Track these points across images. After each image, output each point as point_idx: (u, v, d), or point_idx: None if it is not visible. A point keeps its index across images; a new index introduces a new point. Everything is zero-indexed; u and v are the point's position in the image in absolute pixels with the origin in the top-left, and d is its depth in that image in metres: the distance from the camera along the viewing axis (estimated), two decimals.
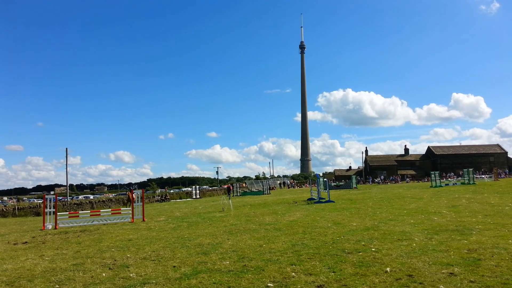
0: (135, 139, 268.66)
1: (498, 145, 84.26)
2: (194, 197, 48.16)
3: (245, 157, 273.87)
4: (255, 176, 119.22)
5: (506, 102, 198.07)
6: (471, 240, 8.00)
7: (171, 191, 60.99)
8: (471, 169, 43.74)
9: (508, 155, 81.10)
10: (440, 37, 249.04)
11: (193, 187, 55.36)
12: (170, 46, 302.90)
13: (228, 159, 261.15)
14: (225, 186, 50.27)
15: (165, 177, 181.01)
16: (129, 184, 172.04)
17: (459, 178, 48.57)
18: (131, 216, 17.44)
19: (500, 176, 57.90)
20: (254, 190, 53.98)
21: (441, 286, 5.05)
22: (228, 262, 7.31)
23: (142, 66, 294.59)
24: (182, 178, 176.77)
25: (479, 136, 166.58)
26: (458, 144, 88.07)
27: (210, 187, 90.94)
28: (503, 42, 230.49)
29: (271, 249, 8.35)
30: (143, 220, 17.38)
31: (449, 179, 53.59)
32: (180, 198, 48.17)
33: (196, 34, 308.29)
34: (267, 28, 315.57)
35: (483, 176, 53.75)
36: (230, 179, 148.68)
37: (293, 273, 6.23)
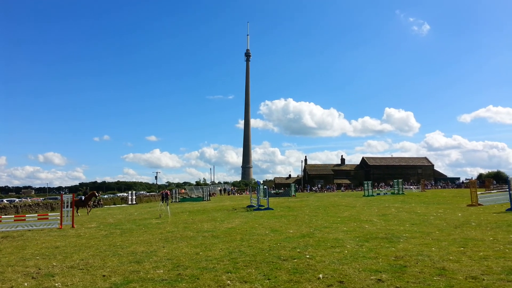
0: (67, 140, 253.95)
1: (425, 158, 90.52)
2: (130, 203, 46.47)
3: (185, 162, 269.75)
4: (196, 182, 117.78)
5: (433, 118, 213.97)
6: (399, 247, 8.44)
7: (105, 196, 58.24)
8: (401, 180, 46.55)
9: (434, 168, 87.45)
10: (376, 54, 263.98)
11: (129, 192, 53.41)
12: (109, 45, 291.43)
13: (168, 164, 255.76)
14: (164, 192, 48.89)
15: (99, 181, 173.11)
16: (59, 188, 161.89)
17: (390, 188, 51.46)
18: (59, 222, 16.39)
19: (427, 187, 62.16)
20: (194, 196, 53.27)
21: None
22: (162, 271, 7.09)
23: (77, 65, 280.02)
24: (118, 182, 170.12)
25: (408, 149, 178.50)
26: (389, 155, 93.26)
27: (148, 192, 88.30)
28: (432, 62, 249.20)
29: (208, 257, 8.23)
30: (73, 226, 16.42)
31: (381, 189, 56.62)
32: (115, 204, 46.20)
33: (139, 35, 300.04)
34: (213, 34, 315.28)
35: (411, 187, 57.33)
36: (169, 184, 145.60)
37: (229, 281, 6.17)
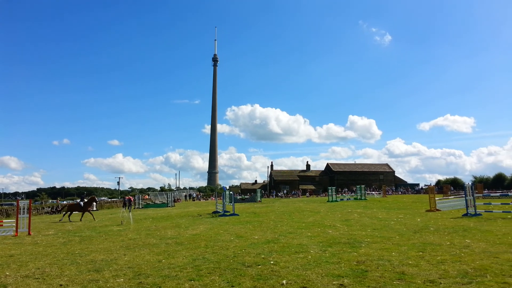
0: (24, 144, 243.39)
1: (387, 165, 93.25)
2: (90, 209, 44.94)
3: (150, 167, 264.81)
4: (160, 187, 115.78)
5: (394, 126, 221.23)
6: (360, 252, 8.61)
7: (64, 202, 56.09)
8: (363, 185, 47.70)
9: (395, 174, 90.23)
10: (340, 62, 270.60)
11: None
12: (70, 47, 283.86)
13: (131, 169, 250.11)
14: (126, 198, 47.58)
15: (58, 186, 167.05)
16: (15, 194, 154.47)
17: (353, 194, 52.61)
18: (14, 229, 15.61)
19: (388, 193, 63.95)
20: (158, 202, 52.22)
21: None
22: (122, 280, 6.87)
23: (35, 66, 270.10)
24: (78, 188, 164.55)
25: (370, 156, 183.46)
26: (353, 162, 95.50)
27: (110, 198, 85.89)
28: (393, 71, 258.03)
29: (171, 265, 8.06)
30: (29, 233, 15.68)
31: (344, 194, 57.76)
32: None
33: (102, 36, 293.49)
34: (180, 38, 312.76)
35: (373, 192, 58.90)
36: (132, 190, 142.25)
37: None
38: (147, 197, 63.06)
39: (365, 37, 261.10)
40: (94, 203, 29.69)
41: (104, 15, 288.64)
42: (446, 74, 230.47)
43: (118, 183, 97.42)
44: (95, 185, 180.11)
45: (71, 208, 25.16)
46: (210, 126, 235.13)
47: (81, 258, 9.30)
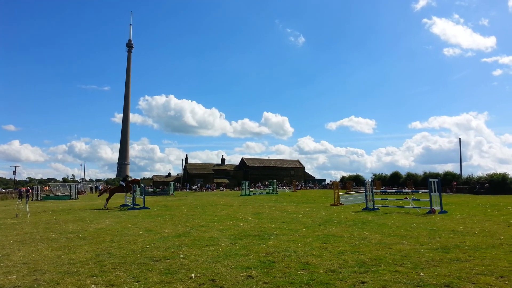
0: None
1: (298, 161, 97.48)
2: None
3: (51, 156, 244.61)
4: (63, 178, 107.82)
5: (304, 125, 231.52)
6: (269, 244, 8.86)
7: None
8: (275, 180, 49.31)
9: (305, 170, 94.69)
10: (257, 59, 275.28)
11: None
12: None
13: (30, 157, 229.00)
14: (23, 189, 43.49)
15: None
16: None
17: (265, 188, 54.11)
18: None
19: (298, 188, 66.90)
20: (60, 194, 48.46)
21: None
22: (15, 277, 6.24)
23: None
24: None
25: (282, 152, 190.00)
26: (266, 157, 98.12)
27: (4, 189, 77.78)
28: (305, 72, 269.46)
29: (71, 260, 7.52)
30: None
31: (257, 188, 59.16)
32: None
33: (1, 11, 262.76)
34: (90, 19, 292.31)
35: (284, 187, 61.16)
36: (31, 180, 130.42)
37: (93, 285, 5.72)
38: (48, 188, 58.26)
39: (281, 37, 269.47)
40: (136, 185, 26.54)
41: None
42: (351, 78, 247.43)
43: (14, 172, 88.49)
44: None
45: (115, 190, 24.88)
46: (121, 115, 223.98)
47: None
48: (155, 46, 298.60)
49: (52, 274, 6.39)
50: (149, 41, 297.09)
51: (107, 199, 24.70)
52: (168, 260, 7.29)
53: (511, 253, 7.29)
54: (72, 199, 41.20)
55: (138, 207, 21.63)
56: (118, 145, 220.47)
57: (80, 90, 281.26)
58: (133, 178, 27.29)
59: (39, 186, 50.69)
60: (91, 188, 69.67)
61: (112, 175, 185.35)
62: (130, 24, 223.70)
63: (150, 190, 52.16)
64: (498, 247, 7.94)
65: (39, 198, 41.14)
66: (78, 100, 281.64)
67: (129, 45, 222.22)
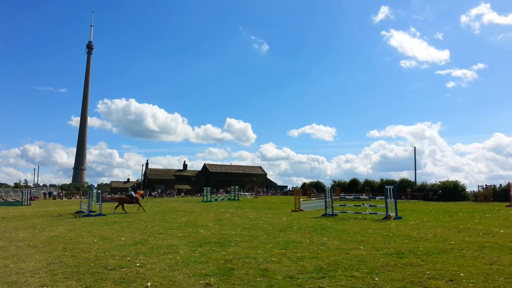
0: None
1: (260, 167, 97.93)
2: None
3: (2, 160, 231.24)
4: (15, 183, 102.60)
5: (267, 131, 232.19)
6: (229, 251, 8.79)
7: None
8: (237, 186, 49.25)
9: (267, 176, 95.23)
10: (221, 65, 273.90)
11: None
12: None
13: None
14: None
15: None
16: None
17: (227, 194, 53.91)
18: None
19: (260, 194, 67.08)
20: (11, 200, 46.00)
21: None
22: None
23: None
24: None
25: (245, 158, 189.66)
26: (229, 163, 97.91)
27: None
28: (268, 80, 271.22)
29: (20, 269, 7.13)
30: None
31: (219, 195, 58.83)
32: None
33: None
34: (49, 18, 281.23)
35: (246, 193, 61.15)
36: None
37: None
38: None
39: (245, 44, 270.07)
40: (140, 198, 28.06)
41: None
42: (312, 87, 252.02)
43: None
44: None
45: (125, 201, 25.00)
46: (77, 118, 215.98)
47: None
48: (117, 49, 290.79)
49: None
50: (111, 44, 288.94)
51: (116, 207, 24.35)
52: (124, 269, 7.06)
53: (460, 258, 7.63)
54: (24, 205, 39.19)
55: (94, 214, 20.89)
56: (75, 150, 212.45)
57: (35, 91, 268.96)
58: (141, 191, 29.76)
59: None
60: (44, 194, 66.61)
61: (68, 180, 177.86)
62: (91, 25, 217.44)
63: (108, 196, 50.54)
64: (449, 252, 8.29)
65: None
66: (33, 101, 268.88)
67: (89, 47, 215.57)
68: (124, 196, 27.45)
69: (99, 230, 13.73)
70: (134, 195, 25.67)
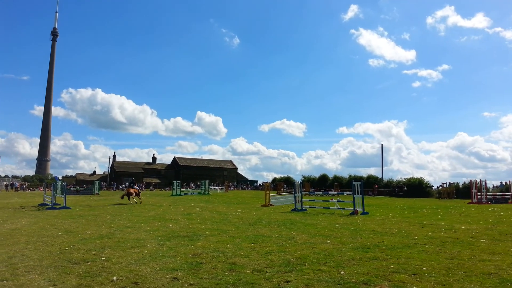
0: None
1: (231, 161, 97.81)
2: None
3: None
4: None
5: (238, 126, 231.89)
6: (197, 245, 8.75)
7: None
8: (208, 180, 49.00)
9: (238, 171, 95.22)
10: (191, 57, 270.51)
11: None
12: None
13: None
14: None
15: None
16: None
17: (197, 188, 53.54)
18: None
19: (230, 188, 67.11)
20: None
21: None
22: None
23: None
24: None
25: (216, 152, 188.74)
26: (199, 157, 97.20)
27: None
28: (239, 73, 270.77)
29: None
30: None
31: (189, 188, 58.36)
32: None
33: None
34: (13, 4, 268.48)
35: (216, 187, 60.96)
36: None
37: None
38: None
39: (216, 36, 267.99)
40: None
41: None
42: (283, 82, 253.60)
43: None
44: None
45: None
46: (41, 107, 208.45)
47: None
48: (83, 37, 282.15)
49: None
50: (76, 31, 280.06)
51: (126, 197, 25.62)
52: (89, 263, 6.90)
53: (423, 252, 7.90)
54: None
55: (58, 206, 20.28)
56: (38, 140, 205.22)
57: None
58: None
59: None
60: (6, 186, 64.07)
61: (31, 171, 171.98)
62: (56, 12, 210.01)
63: (72, 188, 49.16)
64: (412, 247, 8.57)
65: None
66: None
67: (54, 33, 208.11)
68: (128, 190, 27.17)
69: (64, 223, 13.35)
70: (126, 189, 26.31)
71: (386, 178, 59.02)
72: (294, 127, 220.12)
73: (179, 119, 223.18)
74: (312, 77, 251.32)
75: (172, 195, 40.82)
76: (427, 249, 8.29)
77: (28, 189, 64.47)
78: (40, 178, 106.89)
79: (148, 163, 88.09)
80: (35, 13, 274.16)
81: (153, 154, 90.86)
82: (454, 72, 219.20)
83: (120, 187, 69.72)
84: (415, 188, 46.39)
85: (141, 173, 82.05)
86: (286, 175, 76.99)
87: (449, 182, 47.03)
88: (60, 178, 73.64)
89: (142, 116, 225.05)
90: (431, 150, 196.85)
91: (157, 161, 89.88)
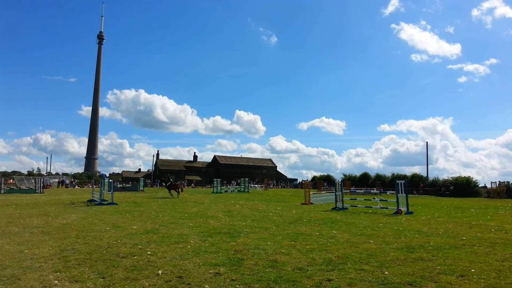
0: None
1: (270, 160, 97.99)
2: None
3: (15, 148, 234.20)
4: (28, 172, 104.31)
5: (277, 124, 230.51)
6: (238, 242, 8.86)
7: None
8: (247, 178, 49.38)
9: (277, 169, 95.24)
10: (229, 57, 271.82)
11: None
12: None
13: None
14: None
15: None
16: None
17: (237, 186, 54.09)
18: None
19: (269, 186, 67.26)
20: (24, 188, 46.83)
21: (207, 286, 5.34)
22: None
23: None
24: None
25: (254, 150, 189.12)
26: (239, 155, 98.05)
27: None
28: (277, 72, 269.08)
29: (34, 255, 7.28)
30: None
31: (229, 186, 59.05)
32: None
33: None
34: (59, 8, 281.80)
35: (256, 185, 61.33)
36: None
37: (56, 281, 5.55)
38: (12, 181, 56.17)
39: (253, 35, 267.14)
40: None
41: None
42: (322, 80, 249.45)
43: None
44: None
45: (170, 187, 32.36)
46: (88, 108, 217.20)
47: None
48: (127, 40, 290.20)
49: (14, 269, 6.17)
50: (121, 35, 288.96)
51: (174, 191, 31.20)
52: (135, 257, 7.17)
53: (471, 254, 7.58)
54: (38, 193, 39.87)
55: (106, 202, 21.15)
56: (86, 139, 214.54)
57: (45, 81, 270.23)
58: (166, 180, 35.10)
59: (2, 179, 48.79)
60: (58, 183, 67.62)
61: (80, 169, 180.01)
62: (102, 16, 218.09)
63: (119, 185, 51.11)
64: (460, 248, 8.23)
65: (2, 192, 39.57)
66: (43, 91, 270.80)
67: (100, 37, 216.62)
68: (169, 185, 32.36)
69: (111, 218, 13.92)
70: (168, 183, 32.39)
71: (431, 177, 56.98)
72: (334, 125, 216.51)
73: (218, 118, 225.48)
74: (352, 74, 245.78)
75: (212, 192, 41.50)
76: (476, 250, 7.94)
77: (78, 186, 67.72)
78: (89, 176, 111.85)
79: (189, 161, 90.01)
80: (81, 18, 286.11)
81: (194, 153, 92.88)
82: (503, 66, 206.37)
83: (163, 184, 71.66)
84: (463, 187, 44.45)
85: (183, 171, 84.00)
86: (326, 173, 76.11)
87: (499, 181, 44.64)
88: (107, 175, 76.89)
89: (183, 115, 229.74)
90: (479, 147, 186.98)
91: (198, 159, 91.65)
